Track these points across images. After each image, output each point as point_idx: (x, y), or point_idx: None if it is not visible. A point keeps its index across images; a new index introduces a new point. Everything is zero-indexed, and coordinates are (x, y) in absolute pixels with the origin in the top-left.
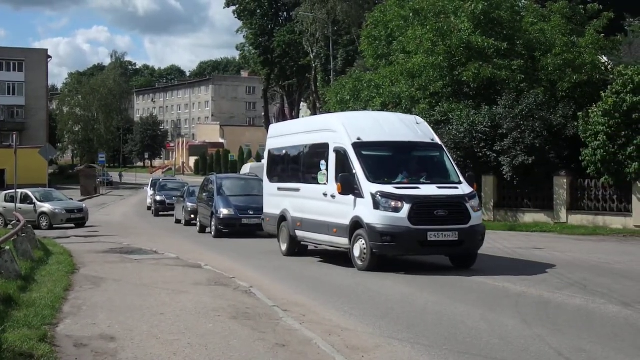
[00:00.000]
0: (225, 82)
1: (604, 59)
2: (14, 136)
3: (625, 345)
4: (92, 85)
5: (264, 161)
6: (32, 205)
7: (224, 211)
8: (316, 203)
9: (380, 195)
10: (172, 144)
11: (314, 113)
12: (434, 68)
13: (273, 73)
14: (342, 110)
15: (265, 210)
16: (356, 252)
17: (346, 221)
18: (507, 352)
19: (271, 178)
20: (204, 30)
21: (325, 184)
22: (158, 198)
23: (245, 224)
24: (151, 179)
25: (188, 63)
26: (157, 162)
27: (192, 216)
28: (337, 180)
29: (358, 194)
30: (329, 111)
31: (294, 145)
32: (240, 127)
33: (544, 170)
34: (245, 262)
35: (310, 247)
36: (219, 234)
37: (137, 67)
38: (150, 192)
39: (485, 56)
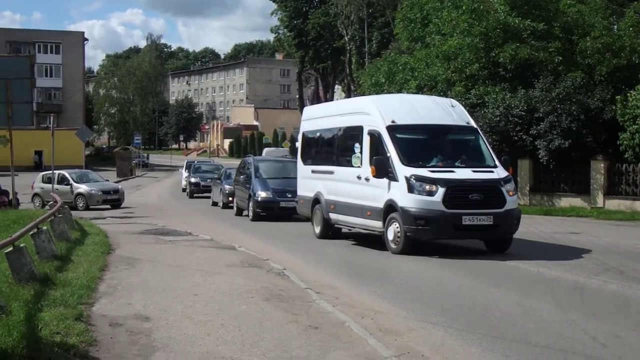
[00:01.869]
0: (260, 65)
1: None
2: (52, 118)
3: None
4: (128, 67)
5: (298, 144)
6: (69, 187)
7: (262, 194)
8: (350, 186)
9: (414, 179)
10: (206, 127)
11: (348, 96)
12: (470, 50)
13: (307, 55)
14: (377, 93)
15: (299, 192)
16: (390, 236)
17: (380, 204)
18: (541, 337)
19: (305, 160)
20: (236, 13)
21: (359, 166)
22: (193, 180)
23: (283, 207)
24: (186, 161)
25: (221, 45)
26: (192, 145)
27: (230, 199)
28: (370, 163)
29: (392, 177)
30: (363, 94)
31: (328, 127)
32: (275, 109)
33: (580, 155)
34: (280, 244)
35: (344, 230)
36: (256, 217)
37: (172, 49)
38: (185, 174)
39: (521, 38)
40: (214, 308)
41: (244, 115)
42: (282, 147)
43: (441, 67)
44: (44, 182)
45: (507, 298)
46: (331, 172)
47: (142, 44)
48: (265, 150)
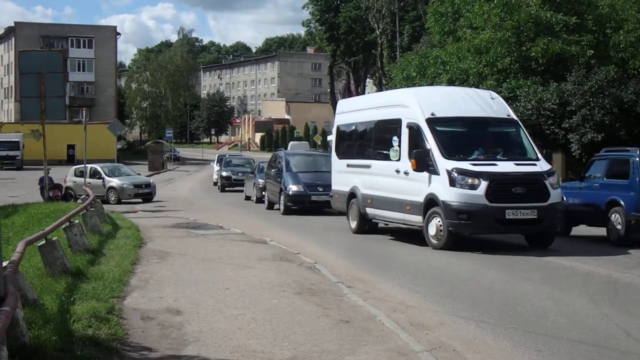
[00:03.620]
0: (291, 59)
1: None
2: (84, 112)
3: None
4: (159, 61)
5: (329, 137)
6: (101, 180)
7: (293, 187)
8: (388, 180)
9: (456, 172)
10: (238, 120)
11: (379, 89)
12: (502, 44)
13: (339, 49)
14: (408, 87)
15: (334, 187)
16: (431, 231)
17: (420, 198)
18: (574, 331)
19: (340, 154)
20: (266, 6)
21: (397, 160)
22: (224, 174)
23: (314, 201)
24: (217, 155)
25: (251, 39)
26: (223, 138)
27: (263, 193)
28: (410, 156)
29: (433, 170)
30: (395, 88)
31: (364, 121)
32: (306, 103)
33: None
34: (311, 238)
35: (380, 225)
36: (287, 211)
37: (204, 43)
38: (216, 167)
39: (553, 31)
40: (245, 302)
41: (275, 109)
42: (303, 140)
43: (473, 60)
44: (76, 175)
45: (539, 292)
46: (368, 166)
47: (173, 38)
48: (291, 144)
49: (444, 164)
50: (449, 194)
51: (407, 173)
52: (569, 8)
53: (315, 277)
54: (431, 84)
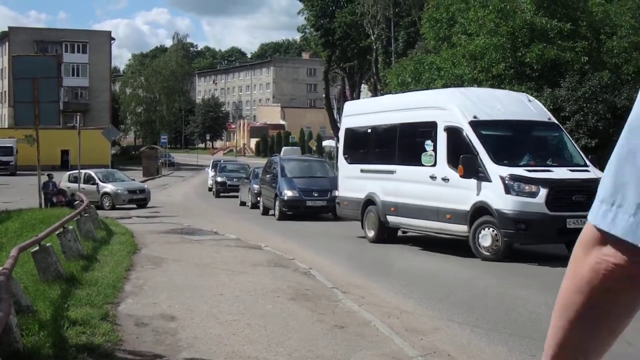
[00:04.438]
0: (286, 64)
1: None
2: (78, 117)
3: None
4: (154, 67)
5: (325, 143)
6: (95, 186)
7: (288, 193)
8: (419, 187)
9: (511, 179)
10: (233, 126)
11: (374, 95)
12: (496, 50)
13: (334, 55)
14: (404, 92)
15: (342, 193)
16: (485, 242)
17: (465, 206)
18: None
19: (350, 159)
20: (262, 12)
21: (432, 165)
22: (219, 179)
23: (309, 206)
24: (212, 160)
25: (246, 45)
26: (218, 144)
27: (259, 198)
28: (448, 161)
29: (483, 177)
30: (389, 93)
31: (384, 124)
32: (301, 108)
33: (607, 154)
34: (306, 244)
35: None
36: (282, 216)
37: (199, 48)
38: (211, 173)
39: (548, 37)
40: (240, 308)
41: (271, 115)
42: (297, 146)
43: (467, 66)
44: (70, 181)
45: (535, 298)
46: (391, 172)
47: (168, 43)
48: (284, 149)
49: (496, 170)
50: (503, 202)
51: (447, 179)
52: (564, 14)
53: (310, 283)
54: (427, 90)
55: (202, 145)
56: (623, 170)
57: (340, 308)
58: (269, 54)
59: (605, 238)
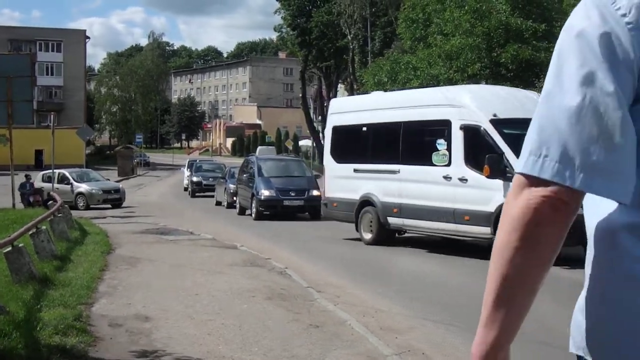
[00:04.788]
0: (263, 64)
1: None
2: (52, 117)
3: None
4: (130, 66)
5: (307, 142)
6: (69, 186)
7: (265, 192)
8: (430, 187)
9: None
10: (209, 125)
11: (351, 94)
12: (472, 50)
13: (311, 54)
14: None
15: (330, 194)
16: None
17: (488, 208)
18: (542, 334)
19: (340, 158)
20: (238, 11)
21: (446, 165)
22: (195, 179)
23: (286, 206)
24: (188, 160)
25: (223, 44)
26: (194, 143)
27: (235, 198)
28: (466, 161)
29: (510, 177)
30: (366, 93)
31: (385, 121)
32: (278, 108)
33: None
34: (282, 243)
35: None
36: (259, 216)
37: (175, 48)
38: (187, 173)
39: (523, 38)
40: (215, 307)
41: (247, 114)
42: (273, 145)
43: (443, 66)
44: (44, 181)
45: None
46: (394, 172)
47: (143, 42)
48: (259, 149)
49: None
50: None
51: (465, 179)
52: (539, 15)
53: (285, 282)
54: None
55: (178, 145)
56: (545, 129)
57: (315, 307)
58: (245, 54)
59: (533, 182)
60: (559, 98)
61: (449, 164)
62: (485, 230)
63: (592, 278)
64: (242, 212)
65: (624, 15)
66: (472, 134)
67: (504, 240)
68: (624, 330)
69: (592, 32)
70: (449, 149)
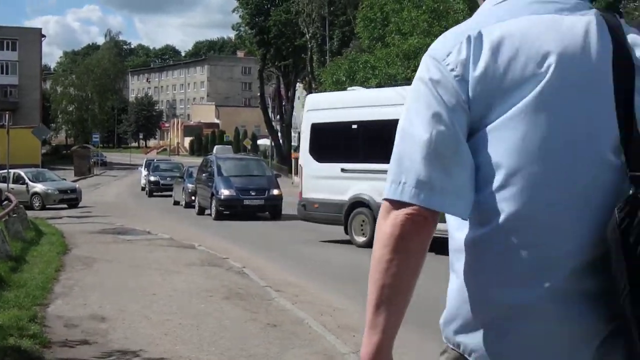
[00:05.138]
0: (221, 63)
1: None
2: (7, 116)
3: None
4: (86, 65)
5: (265, 141)
6: (25, 186)
7: (224, 192)
8: None
9: None
10: (166, 125)
11: (309, 93)
12: None
13: (269, 53)
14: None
15: (309, 194)
16: None
17: None
18: None
19: (322, 157)
20: (196, 10)
21: None
22: (152, 178)
23: (247, 205)
24: (145, 160)
25: (180, 43)
26: (151, 143)
27: (193, 198)
28: None
29: None
30: (325, 91)
31: (377, 119)
32: (236, 107)
33: None
34: (240, 243)
35: None
36: (219, 216)
37: (132, 46)
38: (144, 172)
39: None
40: (172, 307)
41: (205, 113)
42: (230, 145)
43: (401, 66)
44: None
45: None
46: None
47: (100, 40)
48: (216, 147)
49: None
50: None
51: None
52: None
53: (243, 282)
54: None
55: (136, 144)
56: (402, 161)
57: (273, 307)
58: (203, 52)
59: (397, 205)
60: (411, 135)
61: None
62: None
63: (459, 271)
64: (201, 212)
65: (453, 69)
66: None
67: (378, 254)
68: (467, 301)
69: (432, 82)
70: None
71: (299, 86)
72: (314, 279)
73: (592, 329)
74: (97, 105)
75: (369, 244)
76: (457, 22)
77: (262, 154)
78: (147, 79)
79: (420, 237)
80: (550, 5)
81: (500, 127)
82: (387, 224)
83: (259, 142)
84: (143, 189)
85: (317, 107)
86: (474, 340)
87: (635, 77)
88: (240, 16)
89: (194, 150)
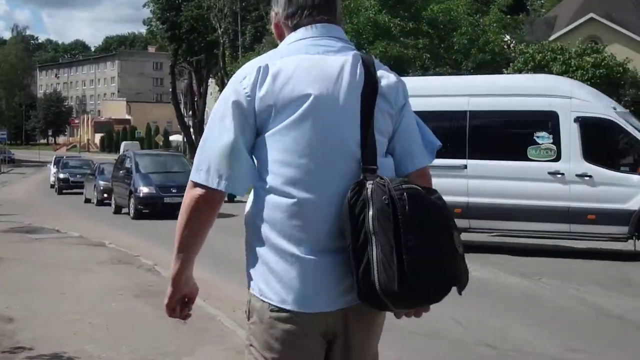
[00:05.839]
0: (132, 58)
1: (507, 37)
2: None
3: (521, 314)
4: None
5: (178, 137)
6: None
7: (144, 189)
8: (523, 184)
9: None
10: (76, 121)
11: (222, 89)
12: None
13: (181, 49)
14: None
15: None
16: None
17: (629, 205)
18: (409, 322)
19: None
20: (104, 4)
21: (552, 160)
22: (61, 176)
23: (167, 203)
24: (54, 156)
25: (90, 38)
26: (61, 139)
27: (105, 195)
28: (586, 156)
29: None
30: None
31: (436, 110)
32: (147, 103)
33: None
34: (154, 240)
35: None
36: (138, 215)
37: (40, 41)
38: (53, 169)
39: (391, 35)
40: (83, 307)
41: (116, 109)
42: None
43: None
44: None
45: None
46: (459, 167)
47: (6, 35)
48: (123, 144)
49: None
50: None
51: (588, 176)
52: (405, 10)
53: (154, 279)
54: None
55: (45, 141)
56: (204, 154)
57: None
58: (114, 48)
59: (196, 185)
60: (211, 138)
61: (556, 159)
62: (621, 230)
63: (251, 239)
64: (118, 210)
65: (245, 89)
66: (593, 127)
67: (181, 217)
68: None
69: (231, 98)
70: (557, 142)
71: (212, 82)
72: (226, 275)
73: (336, 270)
74: (4, 102)
75: None
76: (368, 19)
77: (175, 150)
78: (56, 75)
79: (208, 209)
80: (321, 48)
81: (278, 132)
82: (188, 197)
83: (171, 138)
84: (52, 186)
85: None
86: (260, 282)
87: (377, 99)
88: (151, 11)
89: (105, 146)
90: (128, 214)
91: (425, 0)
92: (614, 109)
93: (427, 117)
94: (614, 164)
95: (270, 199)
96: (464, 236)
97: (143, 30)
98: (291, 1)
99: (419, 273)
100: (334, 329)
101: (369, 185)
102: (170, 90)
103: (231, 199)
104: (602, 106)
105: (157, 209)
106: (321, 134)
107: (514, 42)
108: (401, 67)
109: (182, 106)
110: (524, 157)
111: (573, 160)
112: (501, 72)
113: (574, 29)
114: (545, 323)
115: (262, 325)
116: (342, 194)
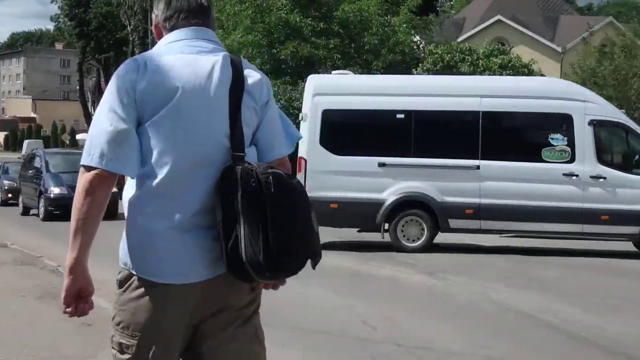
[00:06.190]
0: (39, 55)
1: (417, 38)
2: None
3: (427, 311)
4: None
5: (84, 135)
6: None
7: (55, 190)
8: (537, 186)
9: None
10: None
11: None
12: (253, 46)
13: (89, 46)
14: None
15: (324, 193)
16: None
17: None
18: (320, 323)
19: (342, 150)
20: None
21: (566, 161)
22: None
23: None
24: None
25: None
26: None
27: (10, 195)
28: (599, 158)
29: None
30: None
31: (444, 110)
32: (54, 101)
33: None
34: (60, 241)
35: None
36: (48, 216)
37: None
38: None
39: (303, 35)
40: None
41: (21, 107)
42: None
43: None
44: None
45: (288, 288)
46: (469, 167)
47: None
48: (27, 142)
49: None
50: None
51: (602, 177)
52: (317, 10)
53: (58, 281)
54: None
55: None
56: (93, 139)
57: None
58: (20, 44)
59: (88, 168)
60: (100, 123)
61: (571, 161)
62: (633, 230)
63: (128, 218)
64: (26, 212)
65: (127, 82)
66: (607, 130)
67: (77, 199)
68: (137, 245)
69: (117, 90)
70: (572, 144)
71: None
72: None
73: (206, 244)
74: None
75: (426, 248)
76: (280, 18)
77: (82, 149)
78: None
79: (102, 189)
80: (195, 49)
81: (155, 123)
82: (82, 180)
83: (78, 136)
84: None
85: (329, 92)
86: (133, 256)
87: (244, 95)
88: (59, 7)
89: (9, 145)
90: (37, 215)
91: (337, 0)
92: (623, 112)
93: (438, 116)
94: (627, 166)
95: (146, 181)
96: (474, 238)
97: (51, 26)
98: (169, 5)
99: (281, 247)
100: (201, 306)
101: (238, 169)
102: (78, 88)
103: None
104: (613, 110)
105: (68, 210)
106: (193, 124)
107: (423, 42)
108: (312, 68)
109: (89, 104)
110: (539, 159)
111: (587, 162)
112: (411, 73)
113: (482, 31)
114: (450, 320)
115: (129, 296)
116: (214, 177)
